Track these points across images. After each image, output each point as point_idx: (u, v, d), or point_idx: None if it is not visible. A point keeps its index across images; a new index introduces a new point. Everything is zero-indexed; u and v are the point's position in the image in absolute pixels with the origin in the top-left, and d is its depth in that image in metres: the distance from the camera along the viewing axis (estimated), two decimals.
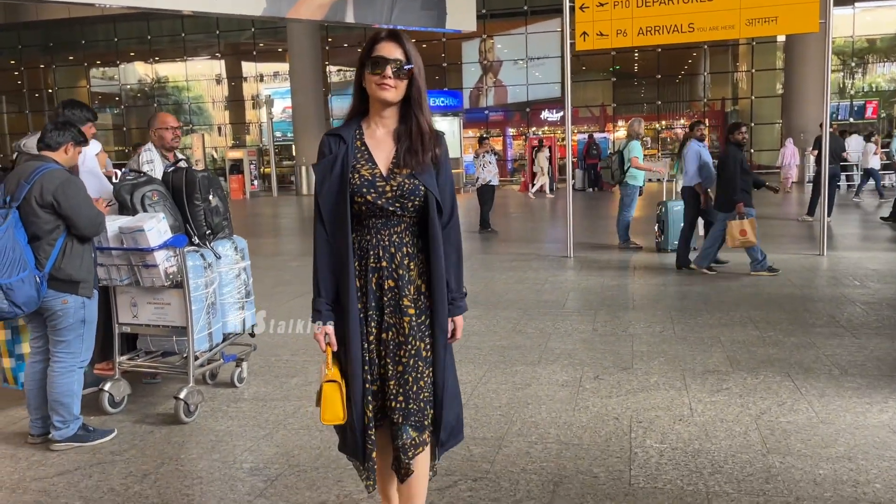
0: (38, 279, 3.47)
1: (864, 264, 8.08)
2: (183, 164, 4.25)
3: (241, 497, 3.03)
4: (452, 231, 2.30)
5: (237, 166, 26.15)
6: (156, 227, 3.79)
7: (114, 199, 4.03)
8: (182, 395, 3.88)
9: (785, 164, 18.12)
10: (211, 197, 4.18)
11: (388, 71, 2.15)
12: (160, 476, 3.28)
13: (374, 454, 2.27)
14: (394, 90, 2.17)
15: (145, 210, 3.95)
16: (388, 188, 2.20)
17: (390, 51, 2.16)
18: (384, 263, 2.23)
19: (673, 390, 4.18)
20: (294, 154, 27.37)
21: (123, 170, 4.53)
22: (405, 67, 2.17)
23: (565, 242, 9.53)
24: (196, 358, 4.00)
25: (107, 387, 4.04)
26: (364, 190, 2.19)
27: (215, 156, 31.87)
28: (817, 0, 8.37)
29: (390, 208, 2.20)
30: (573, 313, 6.20)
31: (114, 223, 3.83)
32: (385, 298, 2.23)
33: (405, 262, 2.24)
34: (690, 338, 5.27)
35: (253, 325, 4.49)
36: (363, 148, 2.24)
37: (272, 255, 10.70)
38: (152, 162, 4.64)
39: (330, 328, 2.25)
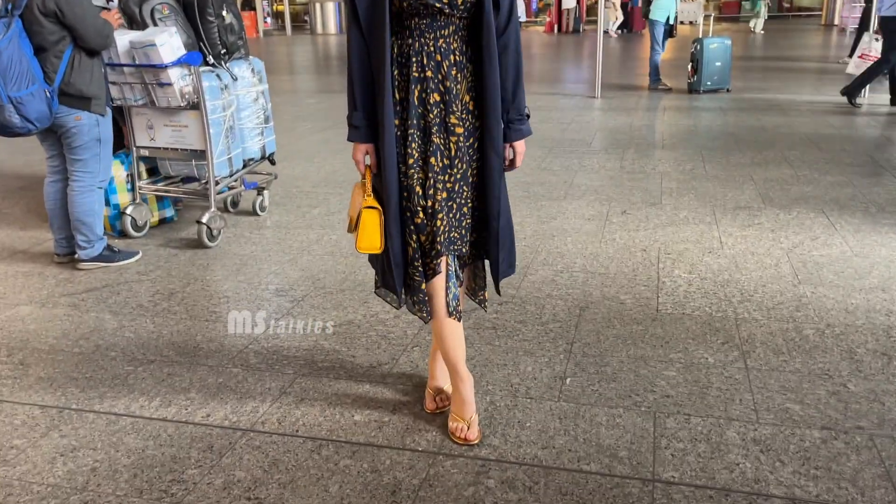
0: (48, 94, 3.33)
1: None
2: None
3: (268, 315, 3.05)
4: (511, 37, 1.97)
5: (249, 2, 25.05)
6: (168, 41, 3.58)
7: (121, 11, 3.80)
8: (204, 220, 3.84)
9: None
10: (225, 13, 3.93)
11: None
12: (187, 294, 3.31)
13: (423, 285, 2.05)
14: None
15: (156, 24, 3.72)
16: None
17: None
18: (429, 73, 1.93)
19: (703, 224, 4.08)
20: None
21: None
22: None
23: (593, 83, 9.14)
24: (217, 183, 3.92)
25: (128, 210, 4.01)
26: None
27: None
28: None
29: (437, 4, 1.87)
30: (600, 151, 6.02)
31: (124, 37, 3.63)
32: (430, 115, 1.95)
33: (452, 72, 1.94)
34: (722, 176, 5.10)
35: (272, 153, 4.37)
36: None
37: (289, 91, 10.41)
38: None
39: (370, 146, 2.01)
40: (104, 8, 3.74)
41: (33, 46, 3.30)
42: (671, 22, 9.11)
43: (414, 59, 1.93)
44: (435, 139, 1.96)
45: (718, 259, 3.56)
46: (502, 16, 1.95)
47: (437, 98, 1.95)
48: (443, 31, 1.93)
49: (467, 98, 1.99)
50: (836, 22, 20.45)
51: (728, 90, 9.02)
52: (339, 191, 4.93)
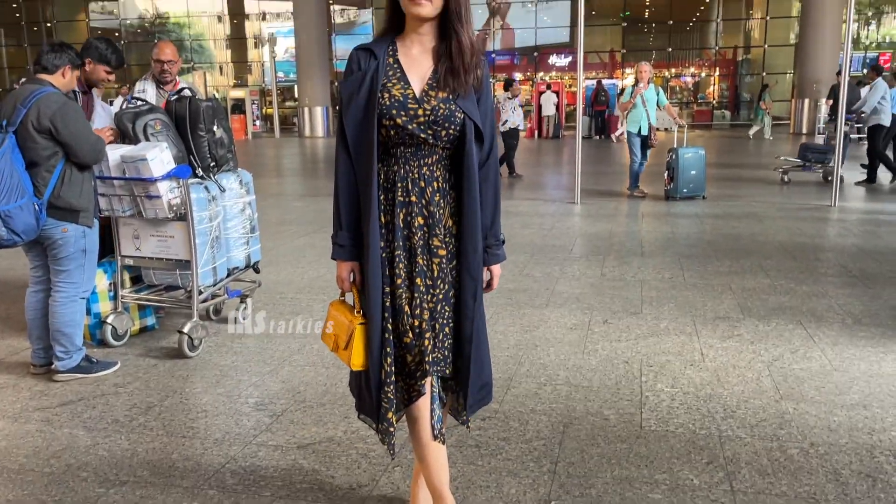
0: (36, 207, 3.37)
1: (877, 216, 7.97)
2: (187, 93, 4.10)
3: (246, 431, 2.99)
4: (491, 168, 2.06)
5: (239, 106, 25.81)
6: (159, 156, 3.66)
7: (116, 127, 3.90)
8: (186, 330, 3.82)
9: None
10: (215, 128, 4.04)
11: None
12: (165, 409, 3.24)
13: (389, 413, 2.04)
14: (429, 4, 1.90)
15: (148, 139, 3.82)
16: (420, 112, 1.95)
17: None
18: (413, 198, 1.99)
19: (683, 335, 4.12)
20: (297, 95, 26.94)
21: (126, 97, 4.40)
22: None
23: (573, 188, 9.39)
24: (200, 292, 3.93)
25: (109, 319, 3.98)
26: (394, 112, 1.93)
27: (216, 95, 31.39)
28: None
29: (422, 135, 1.96)
30: (581, 258, 6.12)
31: (115, 151, 3.71)
32: (414, 238, 2.01)
33: (436, 197, 2.01)
34: (700, 284, 5.19)
35: (257, 262, 4.41)
36: (396, 66, 1.99)
37: (276, 194, 10.58)
38: (144, 92, 4.54)
39: (356, 264, 2.05)
40: None
41: (25, 161, 3.37)
42: (643, 133, 9.44)
43: (399, 185, 2.00)
44: (419, 260, 2.01)
45: (700, 372, 3.58)
46: (484, 149, 2.03)
47: (421, 221, 2.01)
48: (426, 160, 2.01)
49: (450, 222, 2.06)
50: (804, 129, 21.32)
51: (704, 197, 9.29)
52: (323, 297, 4.94)
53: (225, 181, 4.11)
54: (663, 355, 3.82)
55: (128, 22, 32.88)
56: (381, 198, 2.01)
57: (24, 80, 3.70)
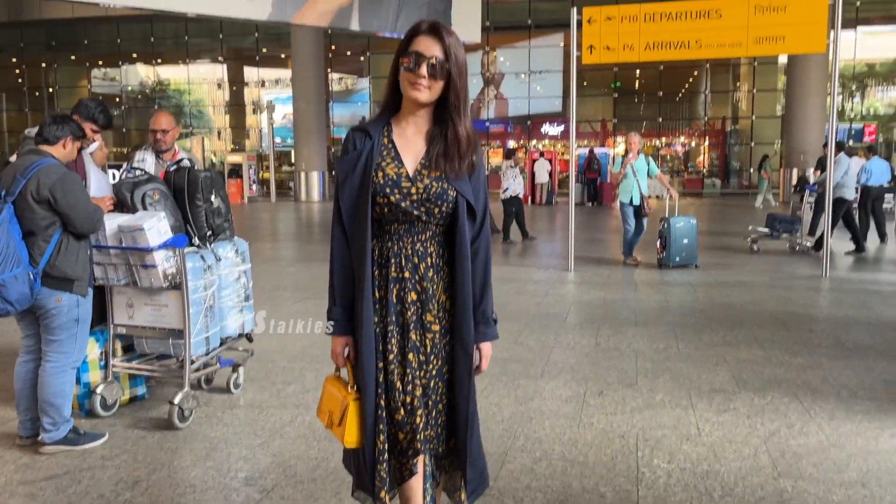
0: (31, 276, 3.37)
1: (867, 286, 8.02)
2: (186, 164, 4.16)
3: None
4: (482, 245, 2.08)
5: (236, 170, 26.07)
6: (156, 226, 3.69)
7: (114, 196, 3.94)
8: (177, 401, 3.77)
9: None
10: (213, 198, 4.09)
11: (423, 69, 1.93)
12: (152, 483, 3.18)
13: (382, 493, 2.01)
14: (428, 91, 1.96)
15: (146, 209, 3.86)
16: (413, 190, 1.99)
17: (428, 47, 1.95)
18: (406, 274, 2.02)
19: (679, 409, 4.08)
20: (293, 160, 27.31)
21: (125, 167, 4.47)
22: (442, 66, 1.95)
23: (566, 256, 9.45)
24: (192, 362, 3.90)
25: (99, 389, 3.93)
26: (388, 190, 1.98)
27: (214, 159, 31.78)
28: (825, 21, 8.35)
29: (415, 213, 2.00)
30: (575, 327, 6.11)
31: (113, 221, 3.74)
32: (407, 314, 2.02)
33: (429, 273, 2.04)
34: (695, 356, 5.18)
35: (251, 330, 4.39)
36: (390, 145, 2.04)
37: (270, 259, 10.59)
38: (144, 161, 4.61)
39: (350, 339, 2.06)
40: None
41: (22, 230, 3.39)
42: (635, 202, 9.55)
43: (393, 261, 2.03)
44: (412, 336, 2.02)
45: (697, 447, 3.54)
46: (475, 225, 2.06)
47: (415, 297, 2.03)
48: (420, 237, 2.04)
49: (444, 297, 2.07)
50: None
51: (696, 266, 9.35)
52: (316, 366, 4.90)
53: (221, 250, 4.13)
54: (659, 429, 3.78)
55: (128, 88, 33.55)
56: (376, 273, 2.04)
57: (25, 148, 3.74)
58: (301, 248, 12.86)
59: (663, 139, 29.52)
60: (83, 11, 28.25)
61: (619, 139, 28.15)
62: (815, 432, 3.71)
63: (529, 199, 22.58)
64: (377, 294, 2.04)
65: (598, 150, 24.56)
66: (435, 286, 2.05)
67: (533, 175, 22.61)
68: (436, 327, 2.04)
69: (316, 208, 22.22)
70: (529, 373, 4.78)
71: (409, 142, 2.05)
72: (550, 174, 22.76)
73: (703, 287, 7.97)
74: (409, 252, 2.03)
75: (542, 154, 23.43)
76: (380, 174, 1.99)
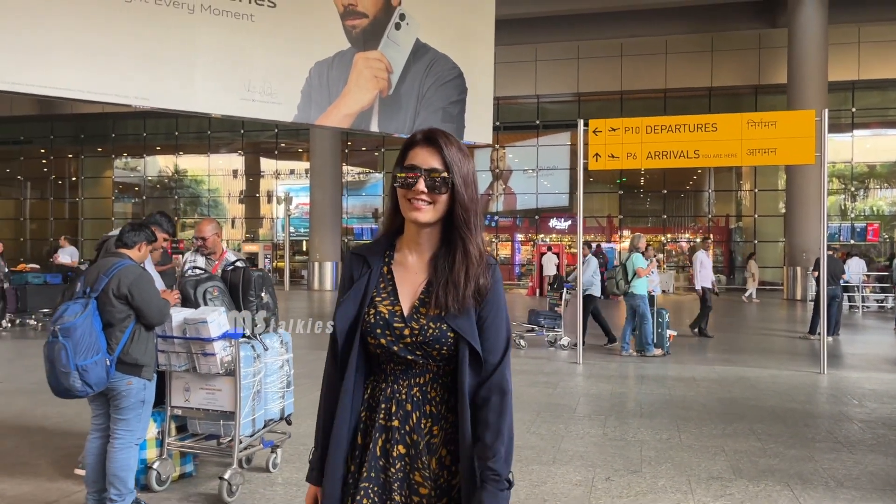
0: (108, 362, 3.88)
1: (863, 384, 8.39)
2: (240, 265, 4.74)
3: None
4: (494, 390, 1.74)
5: (251, 259, 26.87)
6: (217, 319, 4.22)
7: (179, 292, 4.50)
8: (227, 476, 4.20)
9: None
10: (263, 294, 4.64)
11: (421, 184, 1.71)
12: None
13: None
14: (430, 209, 1.73)
15: (206, 303, 4.40)
16: (407, 331, 1.75)
17: (424, 158, 1.73)
18: (395, 422, 1.75)
19: (679, 493, 4.47)
20: (306, 249, 28.12)
21: (187, 265, 5.06)
22: (444, 179, 1.72)
23: (575, 348, 9.89)
24: (240, 442, 4.34)
25: (155, 465, 4.36)
26: (378, 331, 1.75)
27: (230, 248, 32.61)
28: (812, 135, 9.07)
29: (409, 356, 1.75)
30: (584, 417, 6.51)
31: (179, 314, 4.28)
32: (391, 469, 1.74)
33: (423, 423, 1.75)
34: (696, 446, 5.57)
35: (290, 414, 4.84)
36: (389, 276, 1.81)
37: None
38: (195, 262, 5.22)
39: (320, 490, 1.82)
40: None
41: (102, 322, 3.93)
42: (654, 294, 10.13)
43: (383, 406, 1.78)
44: (396, 497, 1.75)
45: None
46: (485, 369, 1.75)
47: (402, 450, 1.76)
48: (418, 380, 1.78)
49: (444, 452, 1.77)
50: (798, 296, 22.12)
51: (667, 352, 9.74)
52: None
53: (268, 340, 4.64)
54: None
55: (148, 178, 34.86)
56: (364, 416, 1.81)
57: (105, 237, 4.39)
58: (314, 338, 13.30)
59: (668, 235, 30.30)
60: (113, 107, 29.70)
61: (626, 233, 28.93)
62: None
63: (537, 291, 23.17)
64: (360, 440, 1.80)
65: (604, 245, 25.32)
66: (432, 439, 1.76)
67: (541, 268, 23.28)
68: (424, 490, 1.75)
69: (328, 297, 22.78)
70: (541, 459, 5.18)
71: (409, 272, 1.81)
72: (558, 267, 23.41)
73: (705, 382, 8.36)
74: (404, 397, 1.76)
75: (549, 248, 24.17)
76: (372, 312, 1.78)
